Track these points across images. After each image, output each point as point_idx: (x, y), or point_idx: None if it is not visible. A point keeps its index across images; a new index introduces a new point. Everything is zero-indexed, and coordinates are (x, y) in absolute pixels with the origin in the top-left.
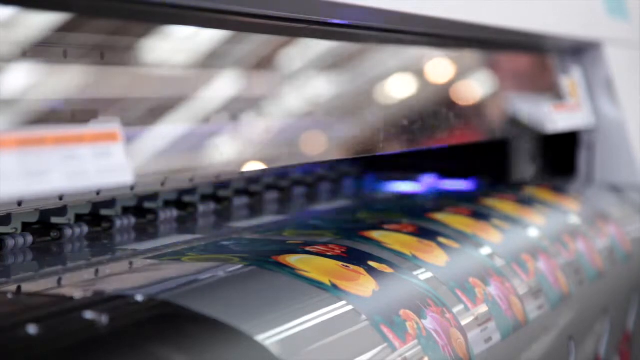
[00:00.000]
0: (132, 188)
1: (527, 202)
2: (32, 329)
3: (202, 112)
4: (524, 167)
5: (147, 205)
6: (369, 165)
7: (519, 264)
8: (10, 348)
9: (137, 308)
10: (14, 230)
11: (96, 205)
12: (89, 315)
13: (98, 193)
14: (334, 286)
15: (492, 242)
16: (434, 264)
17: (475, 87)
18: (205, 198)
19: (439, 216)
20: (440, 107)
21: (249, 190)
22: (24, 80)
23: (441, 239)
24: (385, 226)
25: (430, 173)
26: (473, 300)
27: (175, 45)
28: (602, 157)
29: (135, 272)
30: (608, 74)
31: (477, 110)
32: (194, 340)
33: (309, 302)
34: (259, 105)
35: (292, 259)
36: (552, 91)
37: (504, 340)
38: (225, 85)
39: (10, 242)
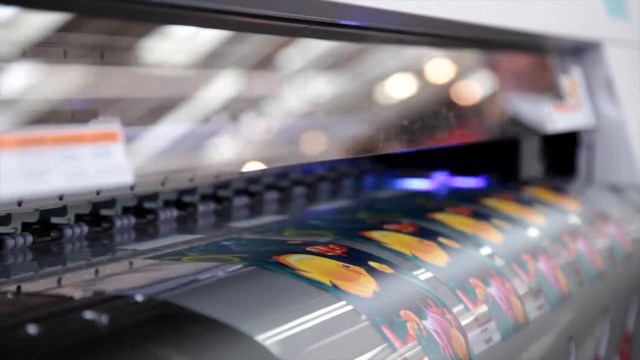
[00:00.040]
0: (132, 188)
1: (527, 202)
2: (32, 329)
3: (202, 112)
4: (533, 165)
5: (147, 205)
6: (378, 162)
7: (519, 264)
8: (10, 348)
9: (137, 308)
10: (14, 230)
11: (96, 205)
12: (89, 315)
13: (98, 193)
14: (335, 286)
15: (492, 242)
16: (434, 264)
17: (475, 87)
18: (205, 198)
19: (440, 216)
20: (440, 107)
21: (249, 190)
22: (24, 80)
23: (442, 239)
24: (386, 226)
25: (441, 171)
26: (473, 300)
27: (175, 45)
28: (602, 157)
29: (135, 272)
30: (608, 74)
31: (477, 110)
32: (194, 340)
33: (309, 302)
34: (259, 105)
35: (292, 259)
36: (552, 91)
37: (504, 341)
38: (225, 85)
39: (10, 242)
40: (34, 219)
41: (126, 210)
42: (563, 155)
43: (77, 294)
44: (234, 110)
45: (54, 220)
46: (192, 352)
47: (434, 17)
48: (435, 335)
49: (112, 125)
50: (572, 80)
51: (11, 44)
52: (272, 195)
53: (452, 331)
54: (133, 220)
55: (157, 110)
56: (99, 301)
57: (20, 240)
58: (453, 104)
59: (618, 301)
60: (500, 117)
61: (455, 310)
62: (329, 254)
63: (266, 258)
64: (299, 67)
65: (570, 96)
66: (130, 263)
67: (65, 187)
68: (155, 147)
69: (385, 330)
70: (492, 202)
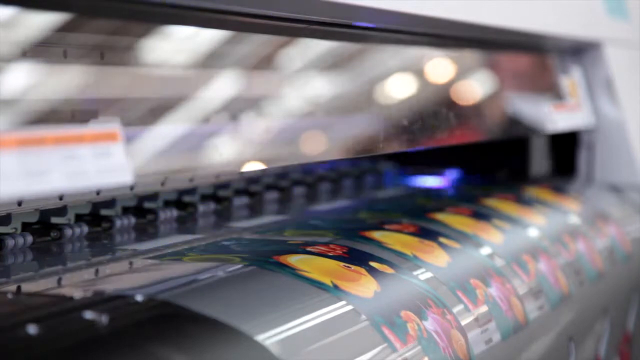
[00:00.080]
0: (132, 188)
1: (527, 202)
2: (32, 329)
3: (202, 112)
4: (542, 164)
5: (147, 205)
6: (389, 160)
7: (519, 264)
8: (10, 348)
9: (137, 308)
10: (14, 230)
11: (96, 205)
12: (89, 315)
13: (98, 193)
14: (336, 287)
15: (492, 242)
16: (434, 264)
17: (475, 87)
18: (205, 198)
19: (440, 216)
20: (440, 107)
21: (249, 190)
22: (24, 80)
23: (442, 239)
24: (386, 226)
25: (453, 168)
26: (474, 301)
27: (175, 45)
28: (602, 157)
29: (135, 272)
30: (608, 74)
31: (477, 110)
32: (194, 340)
33: (309, 302)
34: (259, 105)
35: (292, 259)
36: (552, 91)
37: (504, 341)
38: (225, 85)
39: (10, 242)
40: (34, 219)
41: (126, 210)
42: (563, 155)
43: (77, 294)
44: (234, 110)
45: (54, 220)
46: (192, 352)
47: (434, 17)
48: (435, 336)
49: (112, 125)
50: (572, 80)
51: (11, 44)
52: (272, 195)
53: (452, 332)
54: (133, 220)
55: (157, 110)
56: (99, 301)
57: (20, 240)
58: (453, 104)
59: (618, 301)
60: (500, 117)
61: (456, 310)
62: (329, 254)
63: (266, 258)
64: (299, 67)
65: (570, 96)
66: (130, 263)
67: (65, 187)
68: (155, 147)
69: (386, 331)
70: (492, 202)
